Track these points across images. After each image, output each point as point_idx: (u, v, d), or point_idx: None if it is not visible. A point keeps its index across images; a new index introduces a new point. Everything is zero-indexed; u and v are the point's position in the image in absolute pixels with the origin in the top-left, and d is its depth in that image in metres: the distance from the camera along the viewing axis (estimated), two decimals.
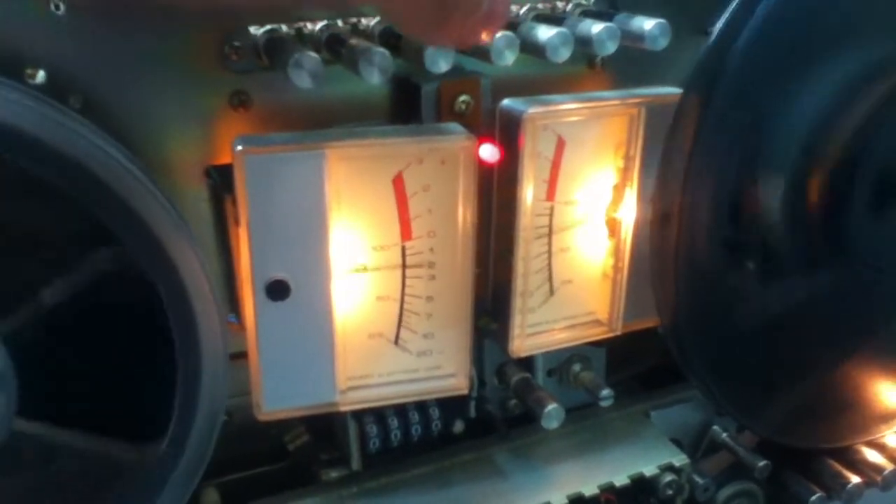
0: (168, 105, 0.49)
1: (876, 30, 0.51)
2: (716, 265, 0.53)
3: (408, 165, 0.48)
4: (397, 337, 0.52)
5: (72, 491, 0.47)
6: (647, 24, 0.50)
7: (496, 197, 0.53)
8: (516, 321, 0.54)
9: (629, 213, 0.55)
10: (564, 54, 0.48)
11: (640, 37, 0.50)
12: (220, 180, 0.50)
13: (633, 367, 0.69)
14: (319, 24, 0.50)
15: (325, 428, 0.58)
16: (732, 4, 0.47)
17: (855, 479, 0.65)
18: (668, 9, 0.53)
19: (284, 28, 0.50)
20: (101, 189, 0.40)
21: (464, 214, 0.50)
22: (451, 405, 0.57)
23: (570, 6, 0.56)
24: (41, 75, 0.45)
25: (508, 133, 0.50)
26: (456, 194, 0.49)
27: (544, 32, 0.48)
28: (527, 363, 0.60)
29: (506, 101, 0.51)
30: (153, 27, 0.47)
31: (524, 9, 0.55)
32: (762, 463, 0.63)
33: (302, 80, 0.44)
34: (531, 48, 0.48)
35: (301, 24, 0.50)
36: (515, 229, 0.52)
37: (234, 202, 0.46)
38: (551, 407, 0.56)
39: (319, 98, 0.52)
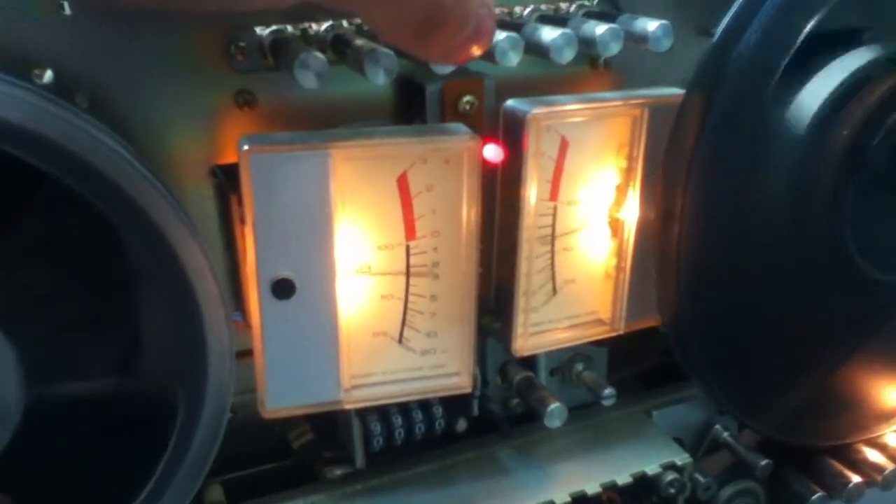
0: (174, 104, 0.49)
1: (879, 29, 0.51)
2: (718, 265, 0.53)
3: (412, 165, 0.49)
4: (401, 336, 0.53)
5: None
6: (651, 24, 0.50)
7: (499, 197, 0.53)
8: (519, 320, 0.55)
9: (632, 213, 0.55)
10: (568, 55, 0.48)
11: (643, 38, 0.50)
12: (226, 179, 0.51)
13: (635, 367, 0.69)
14: (324, 25, 0.51)
15: (329, 426, 0.58)
16: (735, 5, 0.48)
17: (856, 478, 0.65)
18: (671, 10, 0.54)
19: (290, 28, 0.50)
20: (108, 187, 0.40)
21: (468, 214, 0.50)
22: (454, 404, 0.57)
23: (573, 7, 0.56)
24: (48, 75, 0.45)
25: (512, 133, 0.51)
26: (460, 194, 0.49)
27: (548, 33, 0.48)
28: (529, 362, 0.61)
29: (509, 102, 0.51)
30: (159, 27, 0.48)
31: (528, 10, 0.55)
32: (764, 462, 0.63)
33: (307, 80, 0.44)
34: (535, 49, 0.48)
35: (306, 24, 0.50)
36: (518, 229, 0.52)
37: (240, 201, 0.46)
38: (554, 406, 0.57)
39: (324, 98, 0.52)
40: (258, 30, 0.49)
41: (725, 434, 0.66)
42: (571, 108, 0.52)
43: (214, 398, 0.46)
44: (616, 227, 0.56)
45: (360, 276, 0.50)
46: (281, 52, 0.48)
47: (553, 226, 0.54)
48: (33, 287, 0.45)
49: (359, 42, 0.47)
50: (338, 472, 0.57)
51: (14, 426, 0.44)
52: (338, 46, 0.49)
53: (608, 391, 0.60)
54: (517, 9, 0.55)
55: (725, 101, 0.48)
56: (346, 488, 0.57)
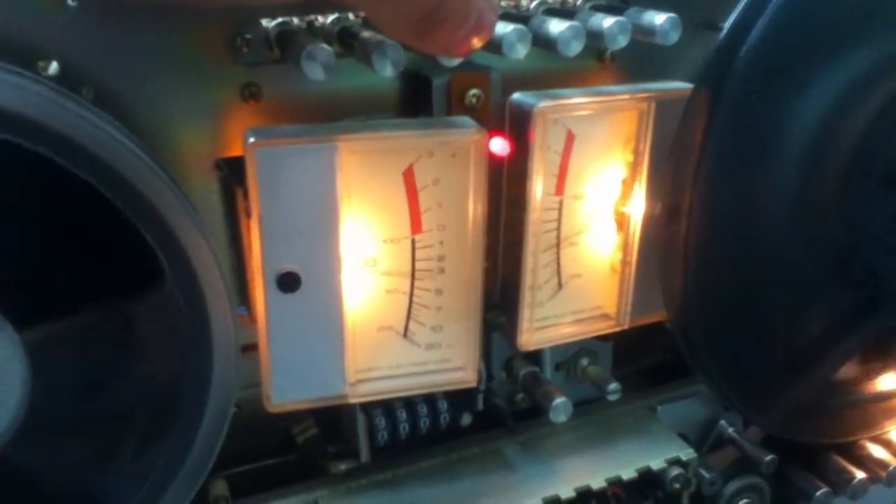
0: (179, 97, 0.49)
1: (888, 26, 0.51)
2: (724, 260, 0.53)
3: (418, 159, 0.48)
4: (406, 330, 0.52)
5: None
6: (658, 18, 0.50)
7: (505, 191, 0.53)
8: (525, 315, 0.54)
9: (638, 207, 0.55)
10: (576, 48, 0.48)
11: (651, 31, 0.50)
12: (231, 172, 0.51)
13: (641, 362, 0.69)
14: (331, 18, 0.50)
15: (334, 420, 0.58)
16: (743, 0, 0.47)
17: (860, 474, 0.65)
18: (678, 3, 0.53)
19: (296, 21, 0.50)
20: (114, 178, 0.40)
21: (474, 208, 0.50)
22: (459, 398, 0.57)
23: (580, 0, 0.56)
24: (54, 67, 0.45)
25: (518, 127, 0.51)
26: (466, 188, 0.49)
27: (556, 26, 0.48)
28: (534, 357, 0.60)
29: (516, 95, 0.51)
30: (165, 20, 0.48)
31: (534, 2, 0.55)
32: (768, 458, 0.63)
33: (315, 72, 0.44)
34: (542, 42, 0.48)
35: (312, 17, 0.50)
36: (524, 223, 0.52)
37: (245, 194, 0.46)
38: (559, 401, 0.57)
39: (330, 91, 0.52)
40: (264, 22, 0.49)
41: (730, 430, 0.66)
42: (578, 102, 0.51)
43: (219, 392, 0.46)
44: (622, 221, 0.56)
45: (366, 270, 0.50)
46: (287, 45, 0.48)
47: (559, 220, 0.54)
48: (40, 279, 0.45)
49: (366, 34, 0.47)
50: (342, 466, 0.57)
51: (18, 419, 0.44)
52: (344, 39, 0.49)
53: (613, 386, 0.60)
54: (524, 1, 0.55)
55: (733, 96, 0.48)
56: (350, 483, 0.57)
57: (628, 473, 0.59)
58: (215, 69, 0.50)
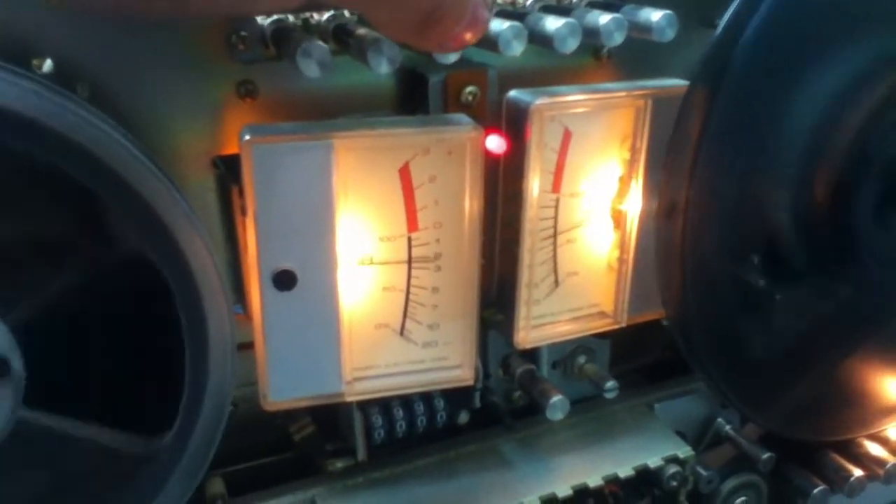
0: (175, 95, 0.49)
1: (885, 23, 0.51)
2: (721, 258, 0.53)
3: (414, 156, 0.48)
4: (403, 328, 0.52)
5: (79, 480, 0.47)
6: (655, 15, 0.50)
7: (502, 188, 0.53)
8: (521, 313, 0.54)
9: (635, 204, 0.55)
10: (572, 45, 0.48)
11: (647, 28, 0.50)
12: (227, 170, 0.51)
13: (638, 360, 0.69)
14: (326, 15, 0.50)
15: (331, 419, 0.58)
16: None
17: (857, 472, 0.65)
18: (674, 0, 0.53)
19: (291, 18, 0.50)
20: (110, 177, 0.40)
21: (470, 205, 0.50)
22: (456, 396, 0.57)
23: None
24: (48, 64, 0.45)
25: (515, 124, 0.50)
26: (462, 185, 0.49)
27: (552, 23, 0.48)
28: (531, 355, 0.60)
29: (512, 93, 0.51)
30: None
31: (531, 0, 0.55)
32: (766, 455, 0.63)
33: (310, 69, 0.44)
34: (539, 39, 0.48)
35: (308, 14, 0.50)
36: (521, 221, 0.52)
37: (241, 192, 0.46)
38: (556, 398, 0.57)
39: (326, 88, 0.52)
40: (259, 20, 0.49)
41: (728, 427, 0.66)
42: (574, 99, 0.51)
43: (216, 391, 0.46)
44: (619, 219, 0.56)
45: (362, 268, 0.50)
46: (283, 42, 0.47)
47: (555, 218, 0.54)
48: (32, 279, 0.45)
49: (361, 31, 0.47)
50: (339, 464, 0.57)
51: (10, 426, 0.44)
52: (340, 36, 0.49)
53: (610, 384, 0.60)
54: None
55: (729, 93, 0.48)
56: (347, 481, 0.57)
57: (625, 471, 0.59)
58: (211, 66, 0.49)
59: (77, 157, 0.39)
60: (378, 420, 0.56)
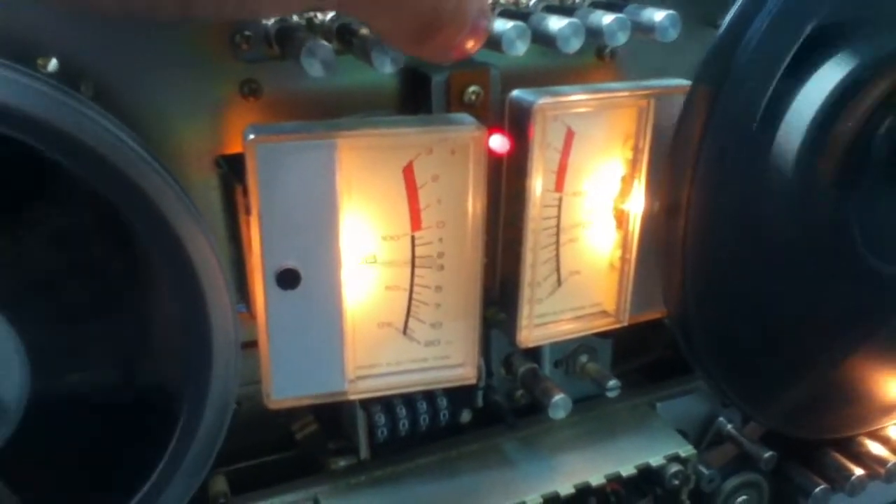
0: (179, 94, 0.49)
1: (887, 22, 0.51)
2: (723, 257, 0.53)
3: (418, 155, 0.48)
4: (406, 326, 0.52)
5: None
6: (658, 15, 0.50)
7: (505, 187, 0.53)
8: (524, 312, 0.55)
9: (637, 204, 0.55)
10: (575, 45, 0.48)
11: (650, 28, 0.50)
12: (230, 169, 0.51)
13: (640, 359, 0.69)
14: (330, 15, 0.50)
15: (334, 417, 0.58)
16: None
17: (858, 471, 0.65)
18: (677, 0, 0.54)
19: (295, 18, 0.50)
20: (114, 175, 0.40)
21: (473, 205, 0.50)
22: (458, 395, 0.57)
23: None
24: (53, 63, 0.45)
25: (518, 124, 0.51)
26: (465, 184, 0.49)
27: (555, 23, 0.48)
28: (534, 354, 0.61)
29: (515, 92, 0.51)
30: None
31: (534, 0, 0.55)
32: (767, 454, 0.63)
33: (314, 68, 0.44)
34: (542, 38, 0.48)
35: (311, 13, 0.50)
36: (524, 220, 0.52)
37: (245, 191, 0.46)
38: (558, 397, 0.57)
39: (329, 88, 0.52)
40: (263, 19, 0.49)
41: (729, 426, 0.66)
42: (577, 99, 0.51)
43: (219, 389, 0.46)
44: (621, 218, 0.56)
45: (366, 267, 0.50)
46: (287, 42, 0.47)
47: (558, 217, 0.54)
48: (41, 278, 0.45)
49: (365, 31, 0.47)
50: (342, 463, 0.57)
51: (18, 418, 0.44)
52: (344, 36, 0.49)
53: (612, 383, 0.60)
54: None
55: (732, 93, 0.48)
56: (350, 479, 0.57)
57: (627, 470, 0.59)
58: (215, 66, 0.50)
59: (82, 156, 0.39)
60: (381, 418, 0.56)
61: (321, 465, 0.58)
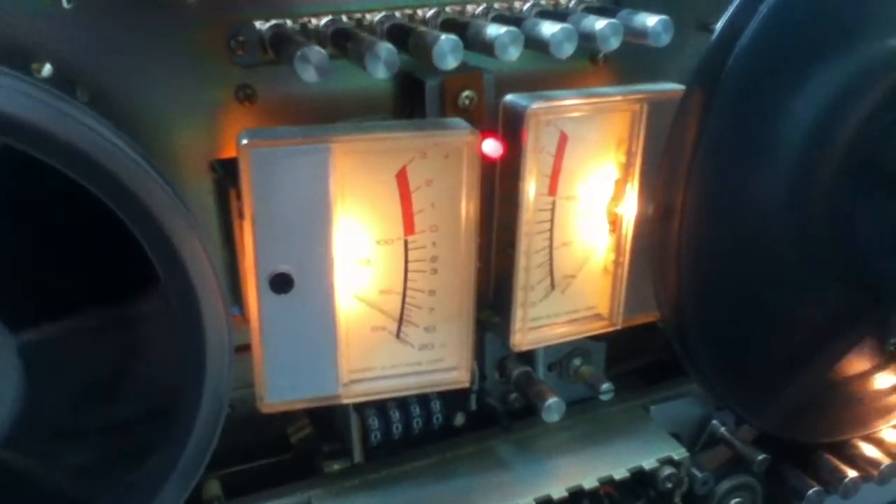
0: (174, 99, 0.50)
1: (881, 25, 0.51)
2: (717, 260, 0.53)
3: (411, 160, 0.49)
4: (399, 330, 0.53)
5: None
6: (651, 20, 0.50)
7: (498, 191, 0.53)
8: (518, 315, 0.55)
9: (630, 208, 0.55)
10: (568, 50, 0.48)
11: (643, 33, 0.50)
12: (225, 174, 0.51)
13: (633, 362, 0.69)
14: (324, 20, 0.51)
15: (327, 420, 0.58)
16: (736, 0, 0.48)
17: (852, 473, 0.65)
18: (670, 5, 0.54)
19: (289, 23, 0.50)
20: (108, 180, 0.40)
21: (467, 209, 0.50)
22: (452, 398, 0.57)
23: (572, 2, 0.56)
24: (48, 69, 0.45)
25: (511, 128, 0.51)
26: (459, 189, 0.49)
27: (548, 28, 0.48)
28: (527, 357, 0.61)
29: (509, 97, 0.51)
30: (159, 21, 0.48)
31: (527, 5, 0.55)
32: (761, 457, 0.63)
33: (308, 74, 0.44)
34: (535, 44, 0.48)
35: (305, 19, 0.50)
36: (517, 224, 0.52)
37: (239, 195, 0.46)
38: (552, 400, 0.57)
39: (323, 93, 0.52)
40: (258, 24, 0.49)
41: (723, 429, 0.66)
42: (571, 104, 0.52)
43: (213, 393, 0.46)
44: (615, 222, 0.56)
45: (359, 271, 0.50)
46: (281, 46, 0.48)
47: (552, 221, 0.54)
48: (36, 283, 0.45)
49: (359, 36, 0.47)
50: (336, 466, 0.57)
51: (10, 421, 0.44)
52: (338, 40, 0.49)
53: (606, 386, 0.60)
54: (517, 3, 0.55)
55: (726, 97, 0.48)
56: (344, 482, 0.57)
57: (620, 473, 0.59)
58: (210, 71, 0.50)
59: (76, 162, 0.39)
60: (374, 422, 0.56)
61: (315, 468, 0.58)
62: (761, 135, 0.50)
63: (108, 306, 0.46)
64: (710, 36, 0.48)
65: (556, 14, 0.53)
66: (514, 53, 0.47)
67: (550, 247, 0.55)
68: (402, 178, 0.49)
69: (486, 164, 0.51)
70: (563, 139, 0.53)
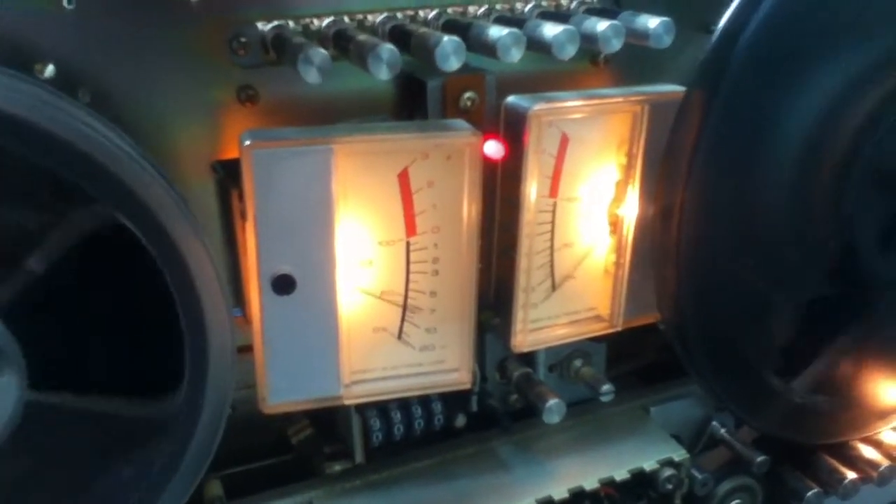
0: (175, 100, 0.50)
1: (880, 26, 0.51)
2: (717, 261, 0.53)
3: (413, 161, 0.49)
4: (401, 331, 0.53)
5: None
6: (652, 22, 0.50)
7: (500, 193, 0.53)
8: (518, 316, 0.55)
9: (631, 209, 0.55)
10: (570, 51, 0.48)
11: (644, 35, 0.50)
12: (227, 175, 0.51)
13: (634, 363, 0.69)
14: (326, 21, 0.51)
15: (329, 421, 0.58)
16: (736, 2, 0.48)
17: (851, 474, 0.65)
18: (671, 6, 0.54)
19: (291, 24, 0.50)
20: (110, 181, 0.40)
21: (468, 210, 0.50)
22: (453, 399, 0.57)
23: (574, 4, 0.57)
24: (50, 69, 0.45)
25: (513, 129, 0.51)
26: (460, 190, 0.50)
27: (550, 30, 0.48)
28: (528, 358, 0.61)
29: (511, 98, 0.51)
30: (161, 21, 0.48)
31: (529, 6, 0.55)
32: (760, 458, 0.63)
33: (311, 75, 0.44)
34: (537, 45, 0.49)
35: (307, 20, 0.50)
36: (518, 225, 0.52)
37: (241, 196, 0.46)
38: (553, 402, 0.57)
39: (325, 94, 0.52)
40: (260, 25, 0.49)
41: (723, 430, 0.66)
42: (572, 105, 0.52)
43: (215, 394, 0.46)
44: (615, 223, 0.56)
45: (361, 272, 0.50)
46: (283, 48, 0.48)
47: (553, 222, 0.54)
48: (38, 288, 0.45)
49: (361, 37, 0.47)
50: (337, 467, 0.57)
51: (14, 423, 0.44)
52: (339, 42, 0.49)
53: (606, 387, 0.60)
54: (518, 5, 0.55)
55: (726, 98, 0.48)
56: (345, 483, 0.57)
57: (621, 474, 0.59)
58: (212, 72, 0.50)
59: (77, 163, 0.39)
60: (376, 423, 0.56)
61: (316, 469, 0.58)
62: (761, 136, 0.51)
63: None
64: (710, 37, 0.49)
65: (558, 15, 0.53)
66: (516, 55, 0.47)
67: (551, 248, 0.55)
68: (403, 179, 0.49)
69: (488, 165, 0.51)
70: (565, 140, 0.53)
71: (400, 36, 0.50)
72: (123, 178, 0.40)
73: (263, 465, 0.60)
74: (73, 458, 0.48)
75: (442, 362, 0.54)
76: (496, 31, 0.47)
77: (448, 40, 0.45)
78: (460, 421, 0.59)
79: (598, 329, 0.59)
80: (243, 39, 0.49)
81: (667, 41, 0.51)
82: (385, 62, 0.45)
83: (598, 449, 0.61)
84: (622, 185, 0.55)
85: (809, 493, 0.66)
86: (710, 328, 0.55)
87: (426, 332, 0.53)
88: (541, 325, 0.57)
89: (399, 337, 0.53)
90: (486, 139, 0.50)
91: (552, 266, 0.56)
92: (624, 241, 0.56)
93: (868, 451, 0.67)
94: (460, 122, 0.50)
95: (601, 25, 0.49)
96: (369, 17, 0.52)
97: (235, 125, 0.51)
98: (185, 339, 0.44)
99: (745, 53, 0.48)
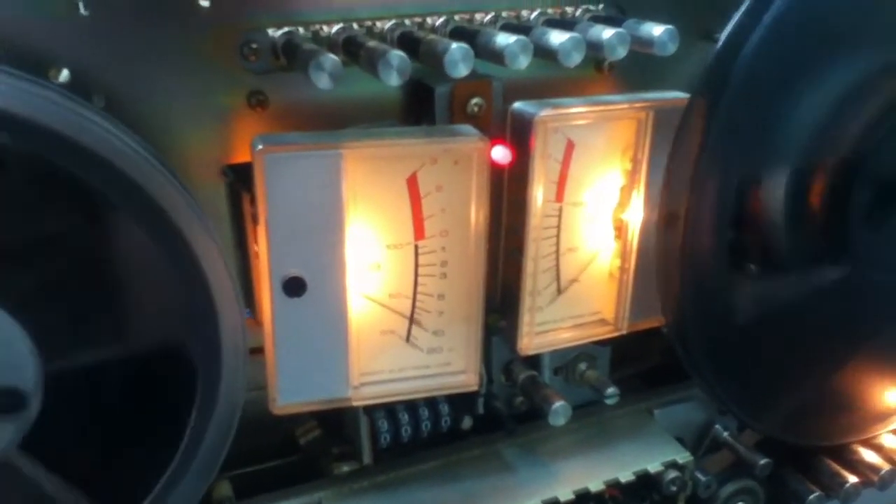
0: (187, 105, 0.50)
1: (881, 35, 0.52)
2: (720, 266, 0.54)
3: (422, 166, 0.49)
4: (409, 334, 0.53)
5: None
6: (657, 29, 0.51)
7: (506, 197, 0.54)
8: (525, 319, 0.55)
9: (636, 214, 0.56)
10: (576, 58, 0.49)
11: (649, 42, 0.51)
12: (237, 179, 0.51)
13: (638, 366, 0.70)
14: (335, 27, 0.51)
15: (337, 422, 0.58)
16: (739, 10, 0.48)
17: (852, 478, 0.66)
18: (675, 14, 0.55)
19: (301, 30, 0.51)
20: (126, 185, 0.40)
21: (476, 214, 0.51)
22: (460, 401, 0.58)
23: (579, 12, 0.57)
24: (65, 74, 0.46)
25: (520, 135, 0.52)
26: (468, 194, 0.50)
27: (556, 37, 0.49)
28: (534, 361, 0.61)
29: (517, 104, 0.52)
30: (173, 27, 0.48)
31: (535, 14, 0.56)
32: (763, 461, 0.64)
33: (322, 81, 0.45)
34: (543, 52, 0.49)
35: (317, 26, 0.51)
36: (525, 229, 0.53)
37: (252, 200, 0.47)
38: (558, 404, 0.57)
39: (334, 99, 0.53)
40: (270, 31, 0.50)
41: (726, 433, 0.67)
42: (578, 111, 0.52)
43: (227, 395, 0.47)
44: (620, 228, 0.57)
45: (370, 275, 0.51)
46: (294, 54, 0.48)
47: (559, 226, 0.55)
48: (43, 272, 0.46)
49: (371, 44, 0.47)
50: (345, 468, 0.58)
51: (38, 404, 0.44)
52: (349, 48, 0.50)
53: (611, 390, 0.61)
54: (525, 13, 0.56)
55: (729, 105, 0.49)
56: (353, 484, 0.57)
57: (626, 476, 0.59)
58: (223, 77, 0.51)
59: (93, 166, 0.40)
60: (384, 424, 0.56)
61: (324, 469, 0.58)
62: (763, 142, 0.51)
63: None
64: (714, 45, 0.49)
65: (563, 23, 0.54)
66: (523, 62, 0.48)
67: (557, 252, 0.56)
68: (412, 183, 0.50)
69: (495, 170, 0.51)
70: (570, 146, 0.53)
71: (408, 42, 0.50)
72: (138, 181, 0.40)
73: (271, 466, 0.61)
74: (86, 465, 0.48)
75: (449, 364, 0.55)
76: (504, 39, 0.47)
77: (457, 47, 0.46)
78: (467, 423, 0.60)
79: (603, 332, 0.59)
80: (254, 45, 0.50)
81: (671, 49, 0.51)
82: (395, 68, 0.45)
83: (602, 451, 0.62)
84: (627, 191, 0.56)
85: (811, 497, 0.66)
86: (712, 332, 0.55)
87: (434, 335, 0.54)
88: (546, 329, 0.57)
89: (407, 339, 0.53)
90: (493, 144, 0.50)
91: (558, 270, 0.56)
92: (628, 245, 0.57)
93: (869, 455, 0.67)
94: (468, 128, 0.50)
95: (607, 33, 0.50)
96: (378, 24, 0.53)
97: (246, 130, 0.51)
98: (197, 338, 0.45)
99: (747, 62, 0.48)
